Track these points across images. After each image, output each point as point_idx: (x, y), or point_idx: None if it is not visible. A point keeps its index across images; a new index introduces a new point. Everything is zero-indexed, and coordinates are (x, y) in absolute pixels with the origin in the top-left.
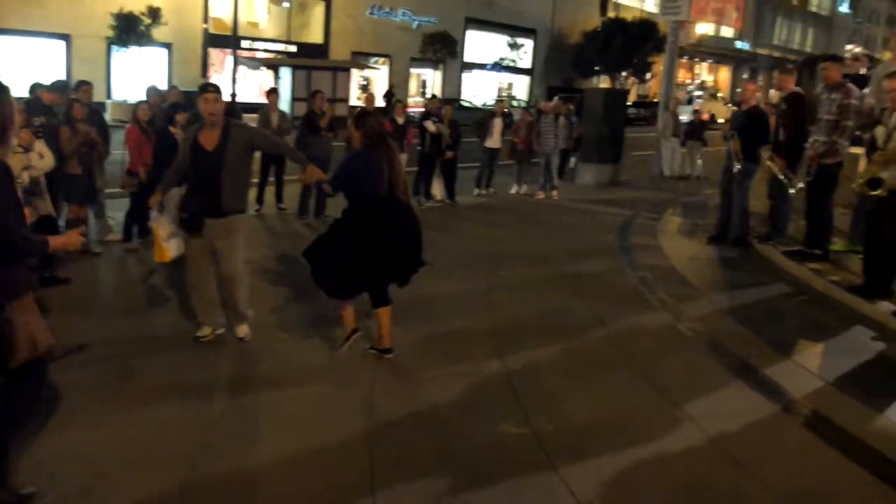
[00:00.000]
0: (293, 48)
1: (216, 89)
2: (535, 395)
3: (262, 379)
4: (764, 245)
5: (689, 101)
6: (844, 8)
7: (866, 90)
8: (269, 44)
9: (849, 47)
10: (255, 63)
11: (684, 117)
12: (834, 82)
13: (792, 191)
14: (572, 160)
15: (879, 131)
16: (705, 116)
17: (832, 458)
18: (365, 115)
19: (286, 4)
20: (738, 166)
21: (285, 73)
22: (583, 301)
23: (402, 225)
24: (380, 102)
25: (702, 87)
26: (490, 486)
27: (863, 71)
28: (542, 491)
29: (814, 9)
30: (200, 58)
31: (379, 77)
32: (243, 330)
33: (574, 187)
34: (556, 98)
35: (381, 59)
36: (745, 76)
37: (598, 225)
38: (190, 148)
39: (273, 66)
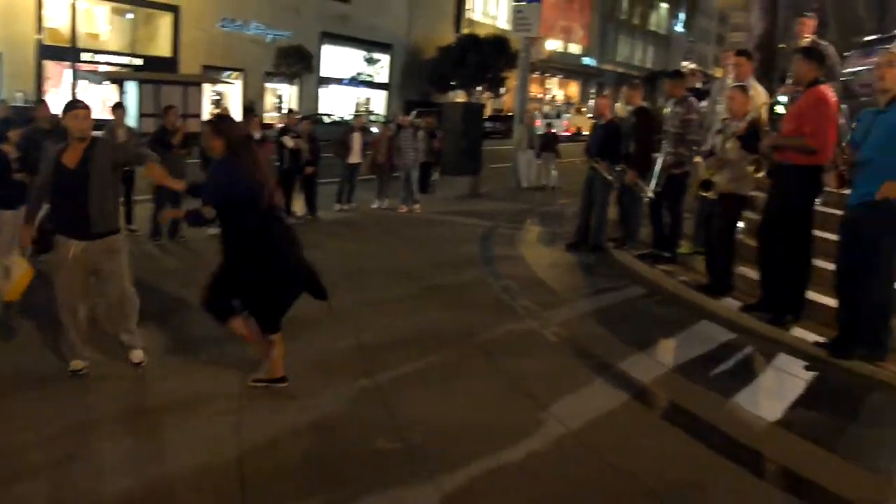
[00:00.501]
0: (139, 61)
1: (86, 106)
2: (406, 409)
3: (129, 409)
4: (619, 250)
5: (558, 115)
6: (679, 28)
7: (704, 103)
8: (112, 56)
9: (684, 64)
10: (96, 77)
11: (552, 130)
12: (678, 97)
13: (646, 199)
14: (435, 174)
15: (719, 140)
16: (571, 129)
17: (691, 446)
18: (223, 118)
19: (130, 16)
20: (616, 184)
21: (131, 87)
22: (449, 312)
23: (286, 237)
24: (236, 118)
25: (568, 102)
26: (365, 502)
27: (698, 85)
28: (419, 502)
29: (653, 28)
30: (34, 70)
31: (233, 92)
32: (139, 355)
33: (435, 200)
34: (413, 112)
35: (235, 74)
36: (592, 90)
37: (461, 237)
38: (53, 168)
39: (117, 80)
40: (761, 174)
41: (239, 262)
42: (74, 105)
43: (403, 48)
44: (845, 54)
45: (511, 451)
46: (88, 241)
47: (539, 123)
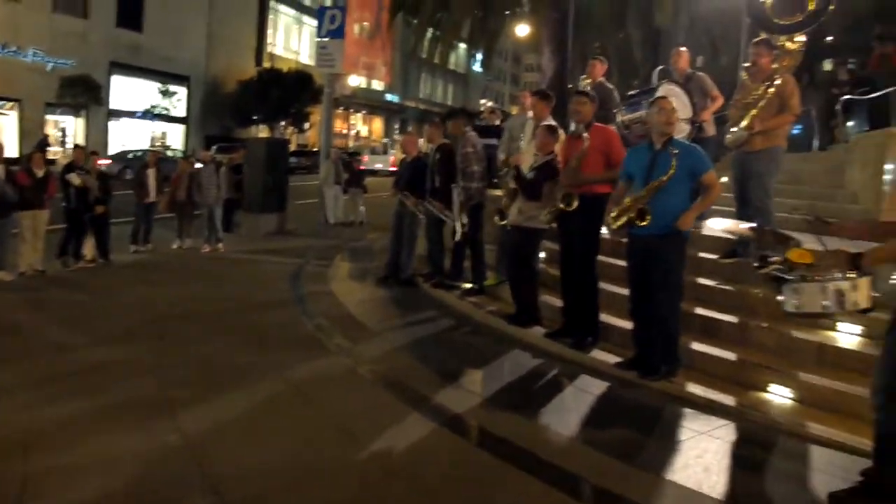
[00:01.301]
0: None
1: None
2: (219, 460)
3: None
4: (428, 283)
5: (385, 151)
6: (477, 67)
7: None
8: None
9: (482, 101)
10: None
11: (379, 165)
12: (458, 134)
13: (458, 234)
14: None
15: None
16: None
17: (505, 469)
18: None
19: None
20: (423, 218)
21: None
22: (260, 354)
23: None
24: (13, 152)
25: (392, 138)
26: None
27: (497, 122)
28: None
29: (452, 67)
30: None
31: (7, 124)
32: None
33: (241, 238)
34: (214, 147)
35: (9, 104)
36: (396, 126)
37: (270, 275)
38: None
39: None
40: (573, 206)
41: None
42: None
43: (202, 81)
44: (614, 111)
45: (330, 491)
46: None
47: (367, 159)
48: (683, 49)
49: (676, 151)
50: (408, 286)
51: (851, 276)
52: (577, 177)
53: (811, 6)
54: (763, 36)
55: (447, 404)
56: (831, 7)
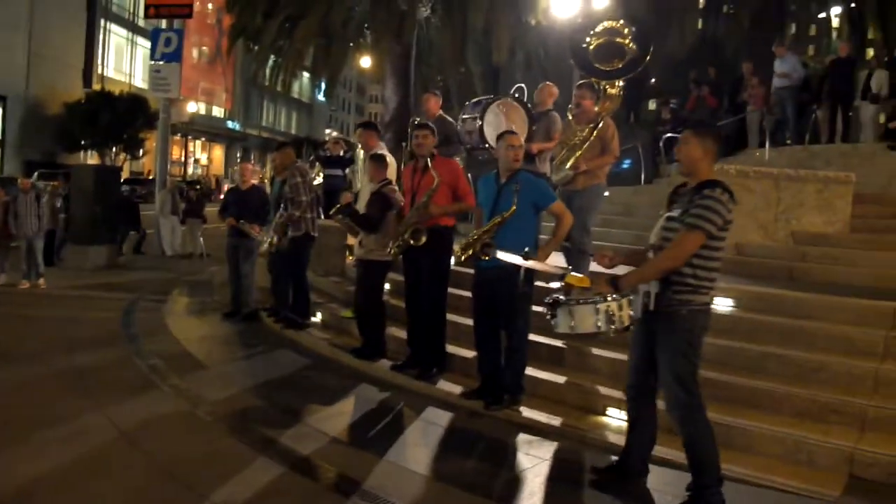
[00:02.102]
0: None
1: None
2: None
3: None
4: (272, 317)
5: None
6: (321, 97)
7: (349, 170)
8: None
9: (328, 131)
10: None
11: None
12: (287, 165)
13: (264, 247)
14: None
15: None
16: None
17: None
18: None
19: None
20: (268, 245)
21: None
22: (85, 399)
23: None
24: None
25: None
26: None
27: (341, 153)
28: None
29: (296, 96)
30: None
31: None
32: None
33: (66, 273)
34: (35, 174)
35: None
36: (238, 154)
37: (98, 313)
38: None
39: None
40: (422, 242)
41: None
42: None
43: (21, 101)
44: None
45: None
46: None
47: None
48: (550, 84)
49: (517, 187)
50: (250, 321)
51: (616, 297)
52: (428, 212)
53: (629, 55)
54: (586, 79)
55: (294, 446)
56: (648, 57)
